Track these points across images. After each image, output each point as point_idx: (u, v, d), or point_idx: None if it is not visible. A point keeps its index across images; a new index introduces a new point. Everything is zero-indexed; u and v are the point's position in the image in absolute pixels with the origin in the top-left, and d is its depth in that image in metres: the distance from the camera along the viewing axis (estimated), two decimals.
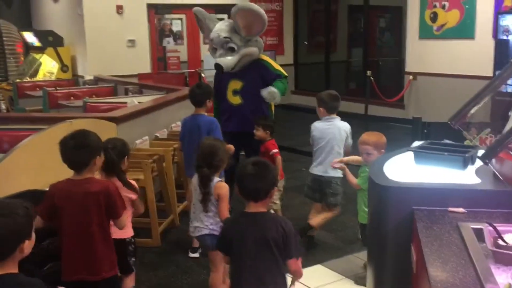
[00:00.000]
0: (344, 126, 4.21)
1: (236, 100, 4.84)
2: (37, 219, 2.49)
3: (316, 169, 4.24)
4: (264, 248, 2.36)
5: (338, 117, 4.26)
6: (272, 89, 4.72)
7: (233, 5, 9.97)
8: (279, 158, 4.47)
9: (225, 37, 4.74)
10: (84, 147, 2.65)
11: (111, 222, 2.77)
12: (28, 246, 1.91)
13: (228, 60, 4.72)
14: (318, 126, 4.28)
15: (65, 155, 2.64)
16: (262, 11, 4.80)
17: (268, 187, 2.40)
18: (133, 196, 3.07)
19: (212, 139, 3.35)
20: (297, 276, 2.49)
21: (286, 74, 4.96)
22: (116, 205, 2.69)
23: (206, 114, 4.30)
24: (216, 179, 3.19)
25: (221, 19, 5.34)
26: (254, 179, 2.38)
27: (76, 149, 2.62)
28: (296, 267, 2.44)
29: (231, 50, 4.75)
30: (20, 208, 1.89)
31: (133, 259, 3.15)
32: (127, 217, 2.89)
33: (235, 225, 2.49)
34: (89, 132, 2.74)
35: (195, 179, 3.27)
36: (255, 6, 4.87)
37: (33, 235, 1.95)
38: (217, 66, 4.73)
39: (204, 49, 10.83)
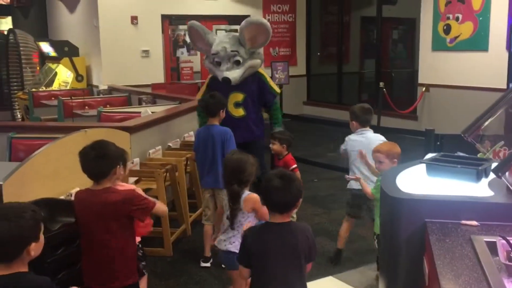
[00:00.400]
0: (377, 138, 4.08)
1: (239, 112, 4.87)
2: None
3: (355, 184, 4.04)
4: (293, 258, 2.39)
5: (370, 129, 4.18)
6: (278, 128, 4.96)
7: (246, 16, 10.09)
8: (298, 173, 4.47)
9: (232, 51, 4.78)
10: (104, 157, 2.68)
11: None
12: (35, 248, 1.97)
13: (236, 74, 4.77)
14: (352, 139, 4.19)
15: (86, 166, 2.68)
16: (269, 24, 4.87)
17: (294, 200, 2.42)
18: None
19: (238, 153, 3.22)
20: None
21: (278, 91, 5.04)
22: (143, 204, 2.69)
23: (219, 124, 4.31)
24: (246, 192, 3.11)
25: (217, 30, 5.39)
26: (281, 192, 2.39)
27: (96, 160, 2.65)
28: (309, 269, 2.53)
29: (237, 63, 4.79)
30: (27, 212, 1.95)
31: (143, 263, 3.16)
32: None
33: (260, 237, 2.47)
34: (108, 142, 2.77)
35: (225, 196, 3.23)
36: (264, 20, 4.94)
37: (42, 238, 2.01)
38: (226, 80, 4.76)
39: None
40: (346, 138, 4.23)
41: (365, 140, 4.06)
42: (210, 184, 4.24)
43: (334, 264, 4.18)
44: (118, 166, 2.72)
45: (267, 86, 4.95)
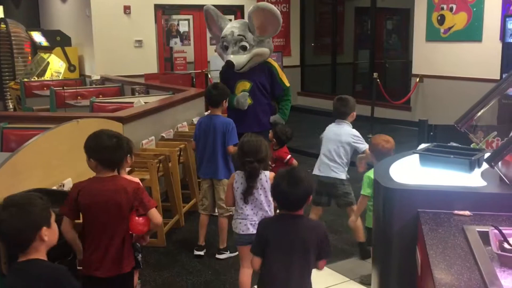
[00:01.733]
0: (348, 132, 4.13)
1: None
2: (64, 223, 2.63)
3: (318, 171, 4.23)
4: (302, 251, 2.44)
5: (348, 123, 4.16)
6: (278, 118, 4.96)
7: (239, 6, 9.95)
8: (294, 162, 4.59)
9: (239, 35, 4.76)
10: (120, 147, 2.70)
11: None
12: (48, 233, 2.02)
13: (240, 58, 4.74)
14: (328, 128, 4.28)
15: (102, 154, 2.68)
16: (278, 12, 4.84)
17: (303, 200, 2.48)
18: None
19: (253, 135, 3.31)
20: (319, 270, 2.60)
21: (288, 85, 5.00)
22: (144, 199, 2.68)
23: (221, 114, 4.31)
24: (265, 172, 3.23)
25: (230, 20, 5.37)
26: (290, 195, 2.45)
27: (115, 149, 2.68)
28: (323, 267, 2.57)
29: (243, 49, 4.77)
30: (33, 199, 2.03)
31: (140, 255, 3.15)
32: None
33: (272, 226, 2.54)
34: (117, 133, 2.81)
35: (239, 181, 3.25)
36: (273, 7, 4.89)
37: (54, 224, 2.08)
38: (229, 63, 4.74)
39: (211, 50, 10.85)
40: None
41: (337, 130, 4.13)
42: (209, 175, 4.24)
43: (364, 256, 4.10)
44: (129, 156, 2.78)
45: (277, 78, 4.94)
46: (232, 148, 4.13)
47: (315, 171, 4.19)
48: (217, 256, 4.17)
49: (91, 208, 2.66)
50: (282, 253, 2.44)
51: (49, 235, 2.03)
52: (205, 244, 4.26)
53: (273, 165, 4.41)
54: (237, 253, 3.73)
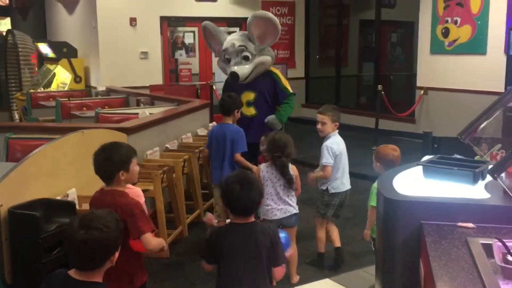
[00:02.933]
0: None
1: (250, 111, 4.90)
2: None
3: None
4: (255, 258, 2.42)
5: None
6: (273, 118, 4.97)
7: (244, 18, 10.04)
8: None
9: (240, 46, 4.79)
10: (109, 160, 2.64)
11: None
12: (116, 256, 2.02)
13: (243, 69, 4.78)
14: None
15: (94, 166, 2.67)
16: (277, 20, 4.88)
17: (256, 204, 2.47)
18: (141, 199, 3.05)
19: (280, 133, 3.79)
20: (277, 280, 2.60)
21: (291, 91, 5.01)
22: (138, 223, 2.57)
23: (233, 123, 4.39)
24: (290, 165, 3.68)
25: (230, 33, 5.40)
26: (242, 199, 2.43)
27: (103, 162, 2.64)
28: (282, 274, 2.54)
29: (246, 59, 4.80)
30: (111, 221, 1.99)
31: None
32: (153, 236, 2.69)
33: (224, 237, 2.49)
34: (118, 145, 2.74)
35: (265, 171, 3.67)
36: (271, 15, 4.94)
37: (133, 169, 2.34)
38: (234, 74, 4.77)
39: (216, 62, 10.91)
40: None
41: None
42: (219, 181, 4.27)
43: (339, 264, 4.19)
44: (122, 171, 2.64)
45: (280, 86, 4.96)
46: (239, 156, 4.25)
47: (342, 186, 4.12)
48: None
49: None
50: (237, 262, 2.42)
51: (116, 258, 2.02)
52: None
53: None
54: None
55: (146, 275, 2.79)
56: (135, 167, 2.71)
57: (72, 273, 1.94)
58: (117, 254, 2.00)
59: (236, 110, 4.38)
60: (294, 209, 3.76)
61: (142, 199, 3.02)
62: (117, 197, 2.63)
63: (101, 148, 2.69)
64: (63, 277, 1.95)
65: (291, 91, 5.03)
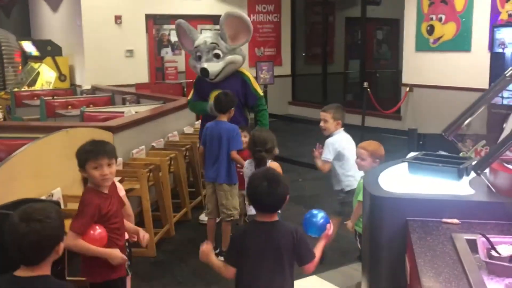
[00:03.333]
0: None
1: None
2: None
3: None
4: (276, 258, 2.39)
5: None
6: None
7: None
8: None
9: (212, 43, 4.79)
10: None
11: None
12: (62, 247, 1.97)
13: (214, 66, 4.76)
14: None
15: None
16: (249, 20, 4.89)
17: (282, 201, 2.43)
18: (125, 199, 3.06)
19: (263, 130, 3.87)
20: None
21: (262, 94, 5.02)
22: (76, 213, 2.62)
23: (224, 120, 4.37)
24: (269, 161, 3.70)
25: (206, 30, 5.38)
26: (269, 196, 2.38)
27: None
28: (312, 269, 2.50)
29: (217, 57, 4.79)
30: (52, 212, 1.95)
31: (128, 262, 3.13)
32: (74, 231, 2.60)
33: (248, 235, 2.46)
34: (83, 145, 2.69)
35: (248, 168, 3.78)
36: (244, 15, 4.95)
37: (64, 237, 2.03)
38: (204, 71, 4.75)
39: None
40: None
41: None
42: (212, 178, 4.34)
43: None
44: (80, 169, 2.66)
45: (250, 88, 4.93)
46: (235, 154, 4.27)
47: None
48: (219, 257, 4.20)
49: None
50: (260, 262, 2.39)
51: (62, 249, 1.98)
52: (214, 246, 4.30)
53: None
54: None
55: (124, 270, 2.78)
56: (91, 171, 2.60)
57: (17, 272, 1.91)
58: (62, 245, 1.95)
59: (232, 108, 4.39)
60: None
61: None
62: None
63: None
64: (7, 279, 1.91)
65: (261, 93, 5.02)
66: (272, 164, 3.69)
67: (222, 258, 4.05)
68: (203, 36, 4.93)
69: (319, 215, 2.68)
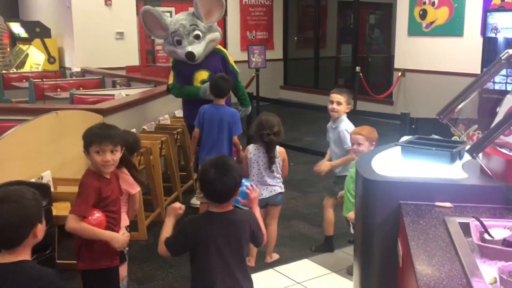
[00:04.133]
0: None
1: None
2: None
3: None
4: (236, 249, 2.34)
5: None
6: (244, 111, 5.16)
7: None
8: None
9: (191, 25, 4.73)
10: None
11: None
12: (40, 230, 1.91)
13: (198, 47, 4.74)
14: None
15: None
16: None
17: (232, 190, 2.32)
18: (132, 190, 3.01)
19: (269, 114, 3.86)
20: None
21: (238, 71, 5.01)
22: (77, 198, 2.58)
23: (221, 103, 4.34)
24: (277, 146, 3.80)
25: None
26: (217, 184, 2.27)
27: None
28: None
29: (197, 38, 4.75)
30: (27, 193, 1.89)
31: (126, 248, 3.10)
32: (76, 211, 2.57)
33: (202, 227, 2.34)
34: (92, 127, 2.66)
35: (252, 152, 3.79)
36: None
37: (43, 220, 1.95)
38: (190, 55, 4.69)
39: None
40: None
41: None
42: None
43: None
44: (84, 150, 2.59)
45: (229, 64, 4.92)
46: (236, 139, 4.29)
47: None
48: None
49: None
50: (219, 255, 2.30)
51: (41, 232, 1.92)
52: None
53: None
54: None
55: (117, 259, 2.75)
56: (93, 154, 2.56)
57: None
58: (40, 227, 1.89)
59: (229, 92, 4.38)
60: (280, 188, 3.85)
61: (135, 189, 3.01)
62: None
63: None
64: None
65: (237, 70, 5.01)
66: (282, 150, 3.82)
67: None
68: (176, 20, 4.85)
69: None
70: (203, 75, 4.82)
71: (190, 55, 4.68)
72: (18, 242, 1.85)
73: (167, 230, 2.43)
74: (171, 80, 5.02)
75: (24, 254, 1.88)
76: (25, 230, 1.86)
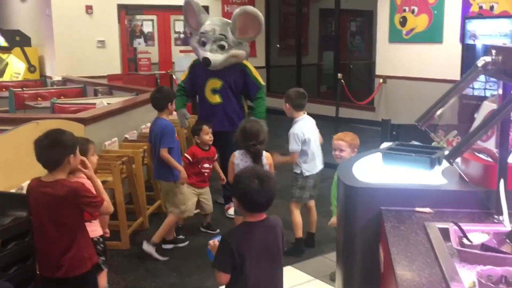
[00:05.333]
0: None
1: (215, 99, 4.88)
2: None
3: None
4: (277, 255, 2.38)
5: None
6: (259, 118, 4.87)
7: (205, 6, 9.87)
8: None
9: (220, 34, 4.76)
10: (58, 145, 2.60)
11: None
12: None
13: (217, 57, 4.76)
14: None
15: (39, 154, 2.61)
16: (262, 18, 4.88)
17: (273, 199, 2.34)
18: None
19: (252, 121, 3.85)
20: None
21: (263, 83, 5.02)
22: (86, 202, 2.65)
23: (166, 118, 4.22)
24: (264, 152, 3.77)
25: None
26: (261, 195, 2.27)
27: (49, 147, 2.58)
28: None
29: (222, 48, 4.77)
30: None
31: (102, 258, 3.09)
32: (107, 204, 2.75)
33: (245, 238, 2.30)
34: (63, 131, 2.70)
35: (239, 158, 3.73)
36: (258, 12, 4.90)
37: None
38: (206, 60, 4.73)
39: (176, 51, 10.77)
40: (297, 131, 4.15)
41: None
42: (156, 177, 4.38)
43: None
44: (72, 155, 2.64)
45: (250, 77, 4.94)
46: (164, 152, 4.07)
47: (315, 168, 4.20)
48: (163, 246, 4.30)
49: (34, 210, 2.71)
50: (262, 264, 2.30)
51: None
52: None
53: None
54: (185, 243, 4.42)
55: (88, 266, 2.76)
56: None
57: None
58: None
59: (170, 104, 4.17)
60: None
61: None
62: (60, 187, 2.60)
63: (44, 135, 2.63)
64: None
65: (262, 83, 5.02)
66: (269, 156, 3.81)
67: (150, 248, 4.12)
68: (211, 23, 4.90)
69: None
70: (216, 83, 4.87)
71: (206, 61, 4.74)
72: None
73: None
74: (183, 77, 5.13)
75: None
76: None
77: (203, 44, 4.84)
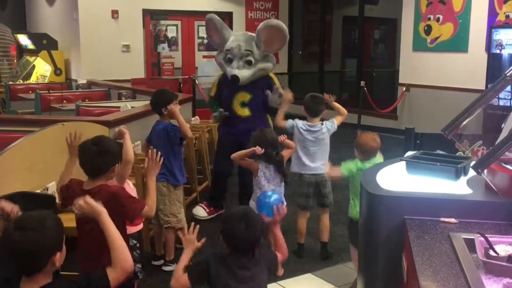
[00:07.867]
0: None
1: (244, 112, 4.90)
2: None
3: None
4: (262, 273, 2.35)
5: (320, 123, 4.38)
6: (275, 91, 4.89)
7: (228, 13, 9.91)
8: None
9: (246, 50, 4.77)
10: (107, 153, 2.57)
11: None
12: (59, 258, 1.88)
13: (245, 73, 4.78)
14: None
15: (85, 160, 2.57)
16: (287, 30, 4.90)
17: (257, 243, 2.30)
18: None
19: (265, 131, 3.87)
20: None
21: (283, 93, 5.02)
22: (125, 206, 2.56)
23: (165, 121, 4.13)
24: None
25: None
26: (245, 238, 2.26)
27: (98, 155, 2.53)
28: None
29: (249, 63, 4.79)
30: (48, 220, 1.85)
31: (138, 265, 3.06)
32: (150, 206, 2.67)
33: (225, 275, 2.28)
34: (109, 138, 2.71)
35: (266, 173, 3.75)
36: (283, 25, 4.92)
37: (64, 247, 1.91)
38: (235, 78, 4.75)
39: (199, 56, 10.84)
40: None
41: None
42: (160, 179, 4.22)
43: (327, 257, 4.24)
44: (118, 164, 2.62)
45: (272, 87, 4.97)
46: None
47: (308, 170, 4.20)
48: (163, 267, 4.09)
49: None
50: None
51: (60, 259, 1.88)
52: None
53: None
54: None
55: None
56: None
57: (21, 284, 1.84)
58: (59, 255, 1.85)
59: (163, 108, 4.04)
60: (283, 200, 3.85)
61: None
62: (103, 193, 2.54)
63: (92, 142, 2.59)
64: None
65: (283, 93, 5.04)
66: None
67: (170, 267, 4.00)
68: (235, 39, 4.91)
69: (273, 197, 2.63)
70: (245, 96, 4.89)
71: (235, 78, 4.76)
72: (34, 271, 1.82)
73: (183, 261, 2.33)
74: (212, 93, 5.14)
75: (43, 281, 1.84)
76: (43, 259, 1.82)
77: (230, 60, 4.84)
